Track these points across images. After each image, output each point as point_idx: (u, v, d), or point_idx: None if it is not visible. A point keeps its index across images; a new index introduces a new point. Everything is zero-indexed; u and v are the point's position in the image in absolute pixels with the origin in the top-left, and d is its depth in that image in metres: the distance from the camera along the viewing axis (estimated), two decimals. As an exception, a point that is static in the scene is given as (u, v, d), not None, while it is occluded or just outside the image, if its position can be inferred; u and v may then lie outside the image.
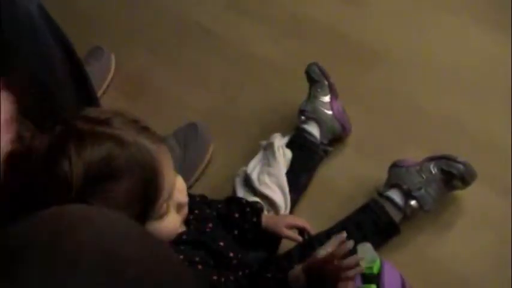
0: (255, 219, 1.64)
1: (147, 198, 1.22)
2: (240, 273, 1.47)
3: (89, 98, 1.79)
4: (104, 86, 2.29)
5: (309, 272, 1.39)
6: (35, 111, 1.59)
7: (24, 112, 1.52)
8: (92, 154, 1.14)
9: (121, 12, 2.64)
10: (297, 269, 1.42)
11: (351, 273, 1.35)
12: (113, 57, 2.37)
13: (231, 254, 1.47)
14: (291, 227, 1.69)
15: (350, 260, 1.35)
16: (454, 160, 1.71)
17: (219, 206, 1.62)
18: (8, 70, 1.49)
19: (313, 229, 1.71)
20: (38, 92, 1.55)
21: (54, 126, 1.20)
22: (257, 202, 1.73)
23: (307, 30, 2.38)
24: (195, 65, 2.36)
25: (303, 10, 2.45)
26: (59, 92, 1.64)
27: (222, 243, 1.46)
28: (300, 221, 1.71)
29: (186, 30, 2.51)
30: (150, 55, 2.44)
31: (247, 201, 1.69)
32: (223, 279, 1.37)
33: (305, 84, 2.01)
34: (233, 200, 1.70)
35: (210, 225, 1.50)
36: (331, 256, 1.36)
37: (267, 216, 1.69)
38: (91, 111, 1.27)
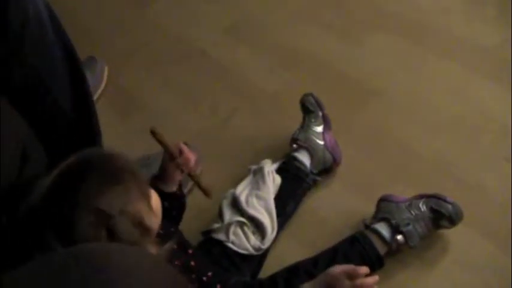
0: None
1: None
2: None
3: (85, 98, 1.78)
4: (95, 97, 2.28)
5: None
6: (30, 105, 1.59)
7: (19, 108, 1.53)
8: None
9: (120, 27, 2.66)
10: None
11: None
12: (106, 68, 2.38)
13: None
14: None
15: (368, 280, 1.41)
16: (444, 200, 1.73)
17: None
18: (13, 61, 1.49)
19: (298, 257, 1.71)
20: (36, 87, 1.55)
21: None
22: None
23: (304, 63, 2.42)
24: (189, 86, 2.38)
25: (302, 44, 2.50)
26: (56, 89, 1.64)
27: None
28: None
29: (183, 51, 2.53)
30: (145, 72, 2.45)
31: None
32: None
33: (297, 114, 2.03)
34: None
35: (192, 263, 1.52)
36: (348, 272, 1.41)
37: None
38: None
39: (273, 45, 2.51)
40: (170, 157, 1.60)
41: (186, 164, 1.62)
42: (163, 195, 1.45)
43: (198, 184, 1.67)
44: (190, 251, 1.56)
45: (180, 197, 1.68)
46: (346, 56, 2.42)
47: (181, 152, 1.61)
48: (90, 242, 1.10)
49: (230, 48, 2.51)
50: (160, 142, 1.59)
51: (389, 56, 2.40)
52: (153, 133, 1.57)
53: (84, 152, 1.25)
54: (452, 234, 1.79)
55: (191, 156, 1.62)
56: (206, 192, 1.67)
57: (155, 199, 1.33)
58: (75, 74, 1.72)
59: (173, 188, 1.64)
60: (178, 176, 1.64)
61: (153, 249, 1.27)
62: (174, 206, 1.64)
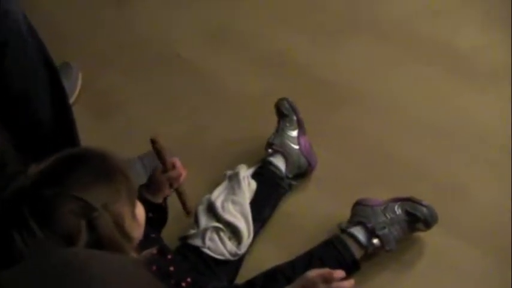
0: None
1: None
2: None
3: (64, 108, 1.78)
4: (70, 103, 2.27)
5: None
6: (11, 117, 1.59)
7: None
8: None
9: (97, 31, 2.64)
10: None
11: None
12: (80, 74, 2.37)
13: None
14: None
15: (344, 283, 1.42)
16: (419, 203, 1.74)
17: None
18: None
19: (275, 261, 1.72)
20: (16, 99, 1.55)
21: None
22: None
23: (280, 67, 2.43)
24: (166, 91, 2.38)
25: (279, 48, 2.51)
26: (36, 101, 1.64)
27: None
28: None
29: (161, 55, 2.53)
30: (123, 77, 2.44)
31: None
32: None
33: (273, 118, 2.03)
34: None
35: (172, 268, 1.51)
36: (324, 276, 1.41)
37: None
38: None
39: (251, 49, 2.51)
40: (163, 169, 1.61)
41: (177, 179, 1.63)
42: (149, 206, 1.46)
43: (182, 201, 1.69)
44: (169, 256, 1.56)
45: (165, 209, 1.68)
46: (324, 60, 2.43)
47: (174, 166, 1.61)
48: (70, 248, 1.09)
49: (208, 52, 2.51)
50: (158, 152, 1.59)
51: (366, 60, 2.42)
52: (153, 142, 1.58)
53: (84, 147, 1.26)
54: (428, 237, 1.80)
55: (183, 173, 1.63)
56: (188, 211, 1.70)
57: (140, 210, 1.33)
58: (54, 85, 1.72)
59: (159, 200, 1.64)
60: (166, 189, 1.65)
61: (133, 254, 1.26)
62: (157, 217, 1.64)
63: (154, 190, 1.63)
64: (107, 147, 2.03)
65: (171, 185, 1.64)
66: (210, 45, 2.53)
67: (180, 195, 1.68)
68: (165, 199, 1.67)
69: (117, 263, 0.92)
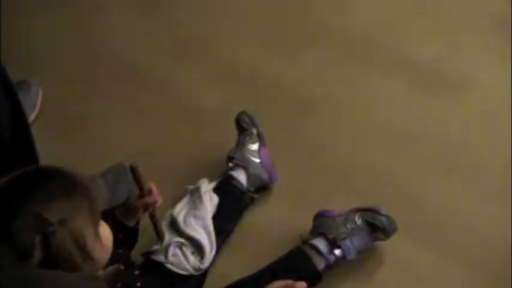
0: None
1: None
2: None
3: (23, 127, 1.77)
4: (30, 120, 2.25)
5: None
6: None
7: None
8: None
9: (62, 47, 2.62)
10: None
11: None
12: (40, 91, 2.34)
13: None
14: None
15: None
16: (378, 212, 1.77)
17: None
18: None
19: (239, 274, 1.73)
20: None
21: None
22: None
23: (243, 80, 2.44)
24: (130, 106, 2.37)
25: (242, 60, 2.51)
26: None
27: None
28: None
29: (125, 70, 2.52)
30: (84, 93, 2.42)
31: None
32: None
33: (235, 131, 2.05)
34: None
35: (139, 284, 1.51)
36: None
37: None
38: None
39: (211, 62, 2.52)
40: (140, 195, 1.62)
41: (153, 205, 1.63)
42: (122, 228, 1.47)
43: (156, 226, 1.70)
44: (136, 272, 1.56)
45: (137, 232, 1.68)
46: (286, 71, 2.45)
47: (150, 192, 1.62)
48: (22, 268, 1.08)
49: (169, 66, 2.51)
50: (137, 179, 1.59)
51: (327, 71, 2.44)
52: (133, 170, 1.58)
53: (47, 165, 1.25)
54: (388, 246, 1.83)
55: (159, 200, 1.64)
56: (160, 236, 1.72)
57: (106, 231, 1.31)
58: (13, 104, 1.70)
59: (132, 223, 1.64)
60: (141, 214, 1.65)
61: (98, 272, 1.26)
62: (128, 238, 1.64)
63: (128, 214, 1.63)
64: (68, 164, 2.03)
65: (145, 209, 1.65)
66: (171, 58, 2.53)
67: (153, 219, 1.69)
68: (137, 222, 1.67)
69: (68, 283, 0.91)
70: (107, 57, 2.58)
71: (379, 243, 1.82)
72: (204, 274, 1.78)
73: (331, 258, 1.73)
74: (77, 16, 2.76)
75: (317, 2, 2.75)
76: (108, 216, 1.45)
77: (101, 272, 1.30)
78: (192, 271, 1.74)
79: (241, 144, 2.01)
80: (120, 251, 1.56)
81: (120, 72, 2.51)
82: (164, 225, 1.83)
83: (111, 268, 1.34)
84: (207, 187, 1.92)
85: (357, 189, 2.02)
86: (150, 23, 2.73)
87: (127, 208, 1.63)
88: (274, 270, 1.71)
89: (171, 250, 1.74)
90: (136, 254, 1.75)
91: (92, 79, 2.48)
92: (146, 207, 1.63)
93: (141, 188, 1.60)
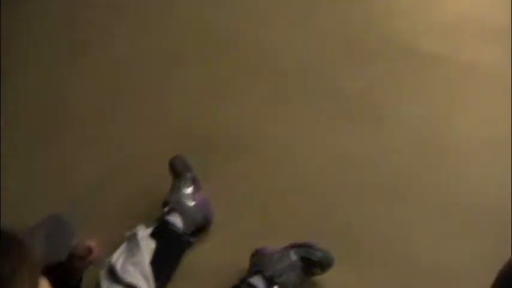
0: None
1: None
2: None
3: None
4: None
5: None
6: None
7: None
8: None
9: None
10: None
11: None
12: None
13: None
14: None
15: None
16: (313, 248, 1.80)
17: None
18: None
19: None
20: None
21: None
22: None
23: (174, 125, 2.46)
24: (63, 153, 2.37)
25: (174, 105, 2.56)
26: None
27: None
28: None
29: (60, 115, 2.54)
30: (25, 142, 2.44)
31: None
32: None
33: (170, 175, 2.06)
34: None
35: None
36: None
37: None
38: None
39: (145, 108, 2.55)
40: (81, 257, 1.63)
41: (95, 258, 1.66)
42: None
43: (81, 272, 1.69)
44: None
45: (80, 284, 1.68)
46: (214, 112, 2.49)
47: (91, 251, 1.63)
48: None
49: (105, 111, 2.54)
50: (77, 256, 1.64)
51: (256, 109, 2.50)
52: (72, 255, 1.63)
53: None
54: (326, 279, 1.85)
55: (101, 252, 1.66)
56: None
57: None
58: None
59: (76, 279, 1.65)
60: (84, 270, 1.66)
61: None
62: None
63: (72, 275, 1.63)
64: (3, 215, 2.02)
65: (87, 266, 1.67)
66: (105, 103, 2.56)
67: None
68: (81, 278, 1.67)
69: None
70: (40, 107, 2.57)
71: (317, 277, 1.84)
72: (144, 320, 1.77)
73: (270, 295, 1.75)
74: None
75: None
76: (50, 271, 1.44)
77: None
78: (132, 318, 1.73)
79: (176, 188, 2.02)
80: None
81: (57, 118, 2.52)
82: (102, 275, 1.82)
83: None
84: (144, 233, 1.92)
85: (291, 226, 2.05)
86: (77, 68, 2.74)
87: (69, 270, 1.64)
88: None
89: (110, 299, 1.73)
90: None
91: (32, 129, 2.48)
92: (89, 264, 1.65)
93: (82, 257, 1.62)
